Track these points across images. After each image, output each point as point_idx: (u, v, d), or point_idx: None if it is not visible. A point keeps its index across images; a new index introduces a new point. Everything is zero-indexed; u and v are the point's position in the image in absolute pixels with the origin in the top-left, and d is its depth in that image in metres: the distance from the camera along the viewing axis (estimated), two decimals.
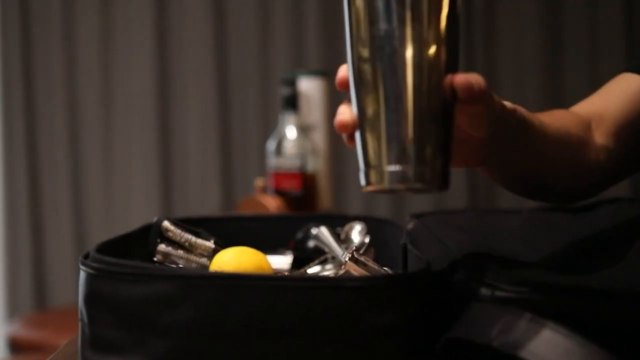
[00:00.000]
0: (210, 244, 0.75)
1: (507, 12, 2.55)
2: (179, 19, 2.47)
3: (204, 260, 0.73)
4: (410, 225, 0.82)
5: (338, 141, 2.24)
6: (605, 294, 0.51)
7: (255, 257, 0.74)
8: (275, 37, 2.48)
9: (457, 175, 2.50)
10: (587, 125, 0.74)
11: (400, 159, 0.51)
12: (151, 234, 0.74)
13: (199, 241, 0.74)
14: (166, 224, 0.74)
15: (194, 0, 2.46)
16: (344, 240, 0.81)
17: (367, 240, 0.79)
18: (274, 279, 0.52)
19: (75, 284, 0.73)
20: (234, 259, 0.72)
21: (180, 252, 0.73)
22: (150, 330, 0.52)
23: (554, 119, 0.69)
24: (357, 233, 0.83)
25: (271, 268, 0.75)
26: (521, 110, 0.62)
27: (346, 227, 0.84)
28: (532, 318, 0.45)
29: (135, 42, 2.42)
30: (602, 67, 2.53)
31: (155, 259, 0.72)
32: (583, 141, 0.72)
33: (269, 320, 0.51)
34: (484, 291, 0.52)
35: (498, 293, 0.51)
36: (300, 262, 0.82)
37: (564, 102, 2.57)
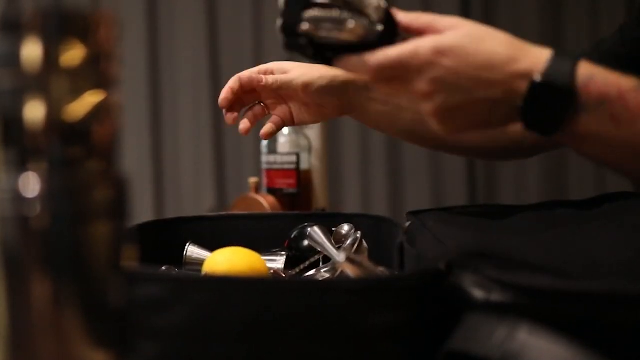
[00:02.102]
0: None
1: (507, 12, 2.55)
2: (171, 16, 2.45)
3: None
4: (407, 223, 0.81)
5: (333, 138, 2.23)
6: (602, 298, 0.50)
7: (249, 258, 0.73)
8: (268, 33, 2.47)
9: (457, 172, 2.50)
10: None
11: None
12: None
13: None
14: None
15: None
16: (335, 240, 0.81)
17: (358, 235, 0.79)
18: (266, 282, 0.51)
19: None
20: (227, 260, 0.71)
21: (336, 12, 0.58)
22: (142, 334, 0.51)
23: None
24: (345, 233, 0.83)
25: (266, 268, 0.74)
26: None
27: (336, 229, 0.83)
28: (530, 328, 0.45)
29: (127, 40, 2.40)
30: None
31: (304, 28, 0.59)
32: None
33: (261, 324, 0.50)
34: (480, 295, 0.51)
35: (494, 297, 0.50)
36: (294, 261, 0.82)
37: None
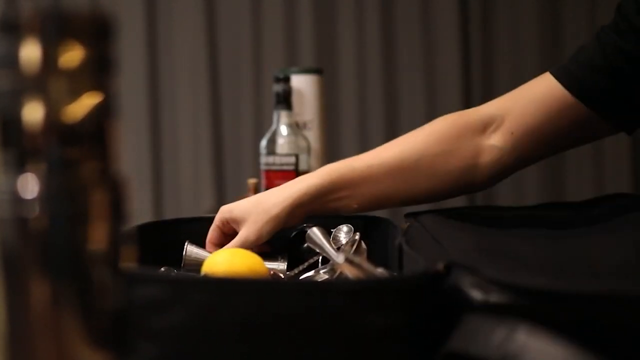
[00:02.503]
0: None
1: (505, 13, 2.55)
2: (170, 16, 2.45)
3: None
4: (406, 224, 0.81)
5: (332, 139, 2.23)
6: (601, 299, 0.50)
7: (248, 259, 0.73)
8: (267, 34, 2.47)
9: None
10: (476, 130, 0.86)
11: None
12: None
13: None
14: None
15: None
16: (334, 241, 0.81)
17: (357, 237, 0.79)
18: (265, 283, 0.51)
19: None
20: (226, 261, 0.71)
21: None
22: (141, 335, 0.51)
23: (395, 152, 0.85)
24: (344, 234, 0.83)
25: (266, 269, 0.74)
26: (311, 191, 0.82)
27: (335, 230, 0.83)
28: (529, 330, 0.45)
29: (125, 39, 2.39)
30: None
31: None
32: (451, 152, 0.85)
33: (260, 325, 0.50)
34: (478, 296, 0.51)
35: (492, 298, 0.50)
36: (293, 262, 0.82)
37: None
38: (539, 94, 0.85)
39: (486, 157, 0.85)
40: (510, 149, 0.85)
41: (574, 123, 0.83)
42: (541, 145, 0.86)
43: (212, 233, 0.85)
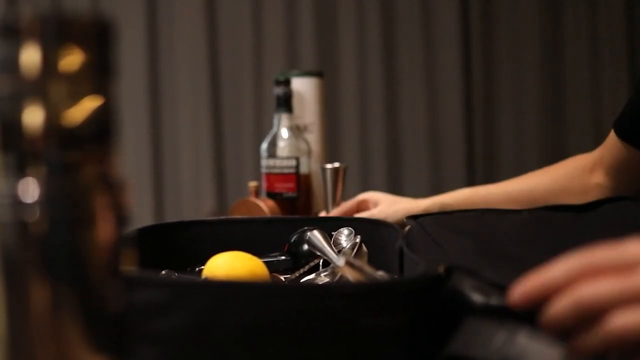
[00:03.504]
0: None
1: (506, 14, 2.55)
2: (171, 18, 2.45)
3: None
4: (406, 227, 0.81)
5: (332, 142, 2.23)
6: None
7: (250, 263, 0.73)
8: (268, 37, 2.47)
9: (456, 177, 2.50)
10: (587, 170, 1.09)
11: None
12: None
13: None
14: None
15: None
16: (335, 245, 0.81)
17: (357, 240, 0.78)
18: (266, 286, 0.51)
19: None
20: (227, 264, 0.71)
21: None
22: (141, 338, 0.51)
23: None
24: (345, 237, 0.83)
25: (267, 273, 0.74)
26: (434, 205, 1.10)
27: (335, 233, 0.83)
28: (529, 333, 0.44)
29: (126, 42, 2.40)
30: (603, 72, 2.53)
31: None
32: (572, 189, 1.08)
33: (261, 329, 0.49)
34: (478, 299, 0.51)
35: (493, 301, 0.50)
36: (294, 265, 0.82)
37: (564, 108, 2.58)
38: (614, 145, 1.04)
39: (592, 194, 1.05)
40: (608, 185, 1.05)
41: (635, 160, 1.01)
42: (629, 180, 1.04)
43: (350, 203, 1.14)
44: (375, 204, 1.12)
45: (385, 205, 1.11)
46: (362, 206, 1.14)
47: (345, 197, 1.21)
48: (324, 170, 1.22)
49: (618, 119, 1.02)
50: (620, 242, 0.43)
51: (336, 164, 1.23)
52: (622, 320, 0.39)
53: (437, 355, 0.49)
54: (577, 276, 0.42)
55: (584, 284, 0.41)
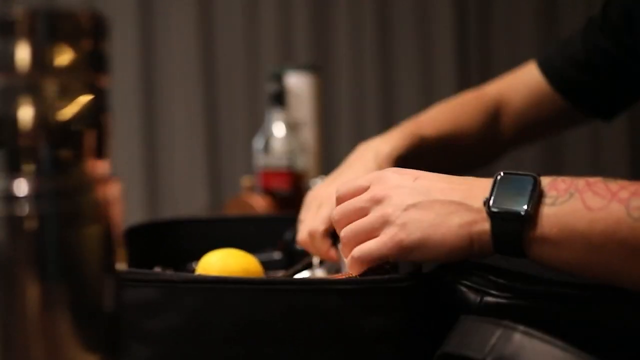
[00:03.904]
0: None
1: (503, 15, 2.55)
2: (164, 13, 2.45)
3: None
4: None
5: (327, 138, 2.23)
6: (598, 300, 0.50)
7: (243, 259, 0.72)
8: (262, 31, 2.46)
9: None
10: (494, 109, 0.92)
11: None
12: None
13: None
14: None
15: None
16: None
17: None
18: (259, 283, 0.51)
19: None
20: (220, 261, 0.71)
21: None
22: (134, 336, 0.51)
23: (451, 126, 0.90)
24: None
25: (261, 270, 0.74)
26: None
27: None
28: (525, 331, 0.44)
29: (119, 37, 2.39)
30: None
31: None
32: (482, 135, 0.91)
33: (255, 326, 0.49)
34: (473, 297, 0.51)
35: (487, 299, 0.50)
36: (288, 263, 0.82)
37: None
38: (526, 83, 0.91)
39: (497, 146, 0.94)
40: (509, 138, 0.94)
41: (552, 112, 0.90)
42: (527, 132, 0.94)
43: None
44: None
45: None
46: None
47: None
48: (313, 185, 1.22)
49: (548, 61, 0.90)
50: (367, 179, 0.59)
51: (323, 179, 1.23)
52: (357, 251, 0.56)
53: (432, 353, 0.49)
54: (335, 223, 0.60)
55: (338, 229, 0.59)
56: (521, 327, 0.45)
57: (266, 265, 0.80)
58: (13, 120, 0.30)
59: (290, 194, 1.27)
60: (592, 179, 0.50)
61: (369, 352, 0.51)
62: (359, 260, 0.56)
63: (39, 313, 0.30)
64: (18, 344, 0.30)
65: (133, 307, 0.51)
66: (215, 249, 0.75)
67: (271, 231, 0.86)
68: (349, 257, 0.57)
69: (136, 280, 0.52)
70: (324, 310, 0.50)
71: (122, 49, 2.38)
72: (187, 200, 2.44)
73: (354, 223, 0.57)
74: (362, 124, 2.51)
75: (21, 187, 0.30)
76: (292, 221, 0.86)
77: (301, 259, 0.81)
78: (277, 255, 0.83)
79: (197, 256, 0.76)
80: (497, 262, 0.54)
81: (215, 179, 2.47)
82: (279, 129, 1.30)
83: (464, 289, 0.52)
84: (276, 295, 0.50)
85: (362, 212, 0.57)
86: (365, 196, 0.57)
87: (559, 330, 0.45)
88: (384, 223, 0.55)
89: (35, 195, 0.30)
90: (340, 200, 0.60)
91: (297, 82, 1.36)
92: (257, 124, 2.43)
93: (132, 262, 0.71)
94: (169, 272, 0.71)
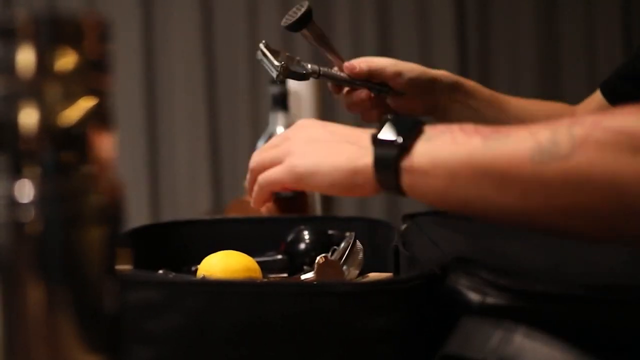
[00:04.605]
0: None
1: (502, 14, 2.55)
2: (166, 18, 2.45)
3: None
4: (403, 226, 0.81)
5: None
6: (598, 300, 0.50)
7: (244, 259, 0.73)
8: (264, 34, 2.47)
9: None
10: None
11: None
12: None
13: None
14: None
15: None
16: (330, 244, 0.81)
17: (352, 237, 0.78)
18: (261, 285, 0.51)
19: None
20: (222, 262, 0.71)
21: None
22: (136, 338, 0.51)
23: (510, 101, 1.00)
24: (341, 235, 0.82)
25: (259, 272, 0.74)
26: (449, 77, 0.95)
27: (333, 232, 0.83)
28: (526, 332, 0.45)
29: (121, 41, 2.39)
30: (599, 66, 2.53)
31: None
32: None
33: (256, 328, 0.50)
34: (474, 298, 0.51)
35: (489, 300, 0.50)
36: (291, 265, 0.82)
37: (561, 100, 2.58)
38: (587, 108, 1.00)
39: None
40: None
41: None
42: None
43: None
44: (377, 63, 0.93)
45: (392, 62, 0.93)
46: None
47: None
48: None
49: (606, 81, 0.99)
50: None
51: None
52: (260, 177, 0.67)
53: (432, 355, 0.49)
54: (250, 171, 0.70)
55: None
56: (522, 329, 0.45)
57: (268, 267, 0.80)
58: (16, 124, 0.30)
59: (291, 197, 1.27)
60: (467, 125, 0.56)
61: (370, 353, 0.51)
62: (260, 187, 0.67)
63: (42, 316, 0.30)
64: (21, 346, 0.30)
65: (136, 309, 0.51)
66: (216, 250, 0.76)
67: (273, 233, 0.87)
68: (255, 186, 0.68)
69: (139, 282, 0.52)
70: (326, 312, 0.50)
71: (124, 53, 2.38)
72: (189, 203, 2.44)
73: (261, 155, 0.68)
74: (363, 126, 2.51)
75: (24, 192, 0.30)
76: (293, 223, 0.86)
77: (302, 260, 0.81)
78: (278, 257, 0.83)
79: (199, 258, 0.76)
80: (497, 263, 0.54)
81: (217, 182, 2.47)
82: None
83: (465, 289, 0.52)
84: (278, 298, 0.50)
85: (273, 150, 0.67)
86: (278, 137, 0.69)
87: (561, 331, 0.46)
88: (286, 154, 0.64)
89: (38, 200, 0.30)
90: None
91: (299, 86, 1.36)
92: (259, 127, 2.43)
93: (133, 264, 0.71)
94: (171, 274, 0.71)
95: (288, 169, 0.63)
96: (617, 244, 0.54)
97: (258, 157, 0.69)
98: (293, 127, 0.68)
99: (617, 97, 0.95)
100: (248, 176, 0.71)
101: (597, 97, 0.99)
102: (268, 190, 0.67)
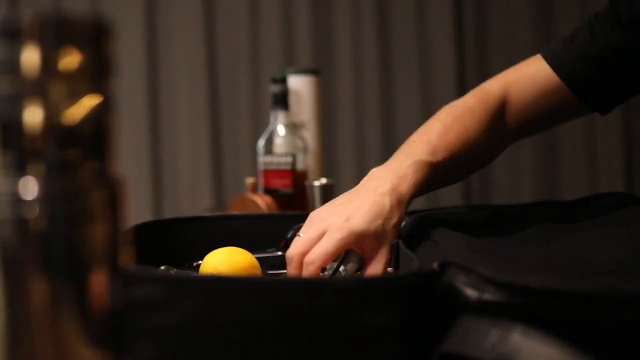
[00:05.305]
0: None
1: (499, 18, 2.55)
2: (169, 18, 2.45)
3: None
4: (402, 224, 0.81)
5: (329, 139, 2.23)
6: (595, 297, 0.51)
7: (246, 258, 0.73)
8: (265, 35, 2.47)
9: None
10: (499, 109, 0.89)
11: None
12: None
13: None
14: None
15: None
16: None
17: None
18: (261, 282, 0.52)
19: None
20: (227, 259, 0.72)
21: None
22: (138, 334, 0.51)
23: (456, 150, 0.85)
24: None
25: (259, 268, 0.74)
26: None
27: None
28: (524, 330, 0.45)
29: (124, 41, 2.39)
30: None
31: None
32: (484, 142, 0.88)
33: (257, 323, 0.50)
34: (472, 294, 0.51)
35: (487, 297, 0.51)
36: None
37: None
38: (532, 77, 0.90)
39: (501, 143, 0.93)
40: (512, 133, 0.92)
41: (557, 105, 0.89)
42: (531, 126, 0.93)
43: None
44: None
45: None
46: None
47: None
48: (311, 187, 1.23)
49: (560, 57, 0.88)
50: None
51: (323, 181, 1.23)
52: (310, 255, 0.68)
53: (431, 352, 0.50)
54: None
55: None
56: (519, 328, 0.45)
57: (269, 263, 0.80)
58: (20, 122, 0.30)
59: (292, 193, 1.27)
60: None
61: (369, 348, 0.51)
62: (313, 262, 0.68)
63: (46, 312, 0.30)
64: (25, 343, 0.31)
65: (138, 305, 0.52)
66: (217, 247, 0.76)
67: (274, 229, 0.87)
68: (303, 264, 0.68)
69: (141, 278, 0.52)
70: (326, 308, 0.50)
71: (127, 53, 2.38)
72: (191, 200, 2.44)
73: (298, 241, 0.71)
74: (361, 125, 2.51)
75: (29, 189, 0.30)
76: (294, 219, 0.86)
77: None
78: (278, 253, 0.83)
79: (201, 255, 0.77)
80: (495, 260, 0.54)
81: (218, 179, 2.47)
82: (281, 130, 1.30)
83: (462, 286, 0.52)
84: (278, 293, 0.50)
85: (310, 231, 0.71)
86: (304, 231, 0.72)
87: (558, 328, 0.46)
88: (326, 228, 0.69)
89: (43, 197, 0.30)
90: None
91: (299, 85, 1.37)
92: (260, 125, 2.44)
93: (136, 261, 0.71)
94: (173, 270, 0.72)
95: (340, 228, 0.69)
96: None
97: (295, 247, 0.71)
98: (309, 221, 0.73)
99: (578, 80, 0.87)
100: (290, 267, 0.70)
101: (541, 67, 0.89)
102: (323, 262, 0.69)
